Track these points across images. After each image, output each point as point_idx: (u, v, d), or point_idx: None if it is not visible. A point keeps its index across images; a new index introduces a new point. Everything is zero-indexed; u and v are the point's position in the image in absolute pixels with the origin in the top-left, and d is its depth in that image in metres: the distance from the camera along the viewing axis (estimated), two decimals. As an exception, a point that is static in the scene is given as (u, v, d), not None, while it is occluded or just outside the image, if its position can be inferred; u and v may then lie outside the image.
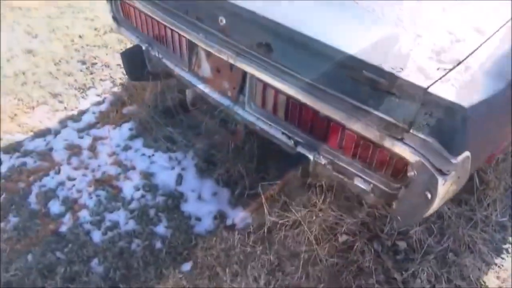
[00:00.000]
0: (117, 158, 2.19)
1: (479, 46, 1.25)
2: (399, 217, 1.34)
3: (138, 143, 2.29)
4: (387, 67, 1.19)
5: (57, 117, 2.48)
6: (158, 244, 1.80)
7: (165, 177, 2.09)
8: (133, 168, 2.14)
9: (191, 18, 1.70)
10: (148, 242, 1.80)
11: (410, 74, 1.16)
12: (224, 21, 1.57)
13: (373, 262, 1.69)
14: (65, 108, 2.55)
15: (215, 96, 1.80)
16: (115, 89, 2.71)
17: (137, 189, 2.03)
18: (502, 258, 1.78)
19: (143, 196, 1.99)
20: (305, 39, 1.35)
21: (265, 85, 1.57)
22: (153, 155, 2.21)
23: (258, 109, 1.65)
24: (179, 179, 2.09)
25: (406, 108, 1.18)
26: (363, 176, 1.39)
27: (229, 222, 1.91)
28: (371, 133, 1.26)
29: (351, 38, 1.32)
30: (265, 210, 1.82)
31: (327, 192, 1.74)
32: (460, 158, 1.12)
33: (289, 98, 1.50)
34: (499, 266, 1.75)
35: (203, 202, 1.99)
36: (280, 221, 1.78)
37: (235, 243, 1.79)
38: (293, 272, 1.69)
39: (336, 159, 1.44)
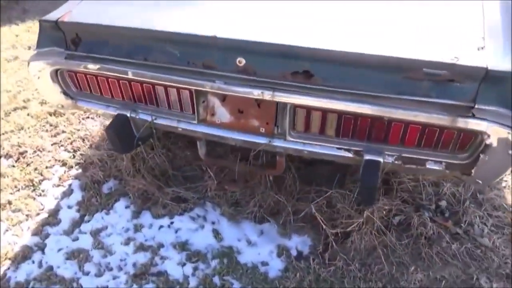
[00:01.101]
0: (136, 242, 1.92)
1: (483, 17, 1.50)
2: (479, 181, 1.53)
3: (146, 217, 2.04)
4: (444, 59, 1.34)
5: (26, 230, 2.02)
6: (248, 307, 1.68)
7: (202, 239, 1.92)
8: (162, 245, 1.91)
9: (197, 68, 1.60)
10: (236, 311, 1.66)
11: (464, 61, 1.33)
12: (244, 62, 1.52)
13: (434, 228, 1.88)
14: (27, 216, 2.10)
15: (244, 137, 1.73)
16: (75, 172, 2.33)
17: (183, 264, 1.82)
18: (505, 181, 2.16)
19: (195, 268, 1.81)
20: (343, 54, 1.42)
21: (309, 110, 1.58)
22: (172, 222, 2.00)
23: (302, 134, 1.66)
24: (217, 234, 1.95)
25: (467, 89, 1.36)
26: (434, 159, 1.54)
27: (293, 252, 1.87)
28: (442, 120, 1.40)
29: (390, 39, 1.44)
30: (324, 226, 1.85)
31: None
32: (525, 114, 1.35)
33: (341, 114, 1.54)
34: (507, 188, 2.13)
35: (256, 246, 1.90)
36: (347, 229, 1.83)
37: (316, 268, 1.78)
38: (381, 268, 1.77)
39: (403, 153, 1.56)
